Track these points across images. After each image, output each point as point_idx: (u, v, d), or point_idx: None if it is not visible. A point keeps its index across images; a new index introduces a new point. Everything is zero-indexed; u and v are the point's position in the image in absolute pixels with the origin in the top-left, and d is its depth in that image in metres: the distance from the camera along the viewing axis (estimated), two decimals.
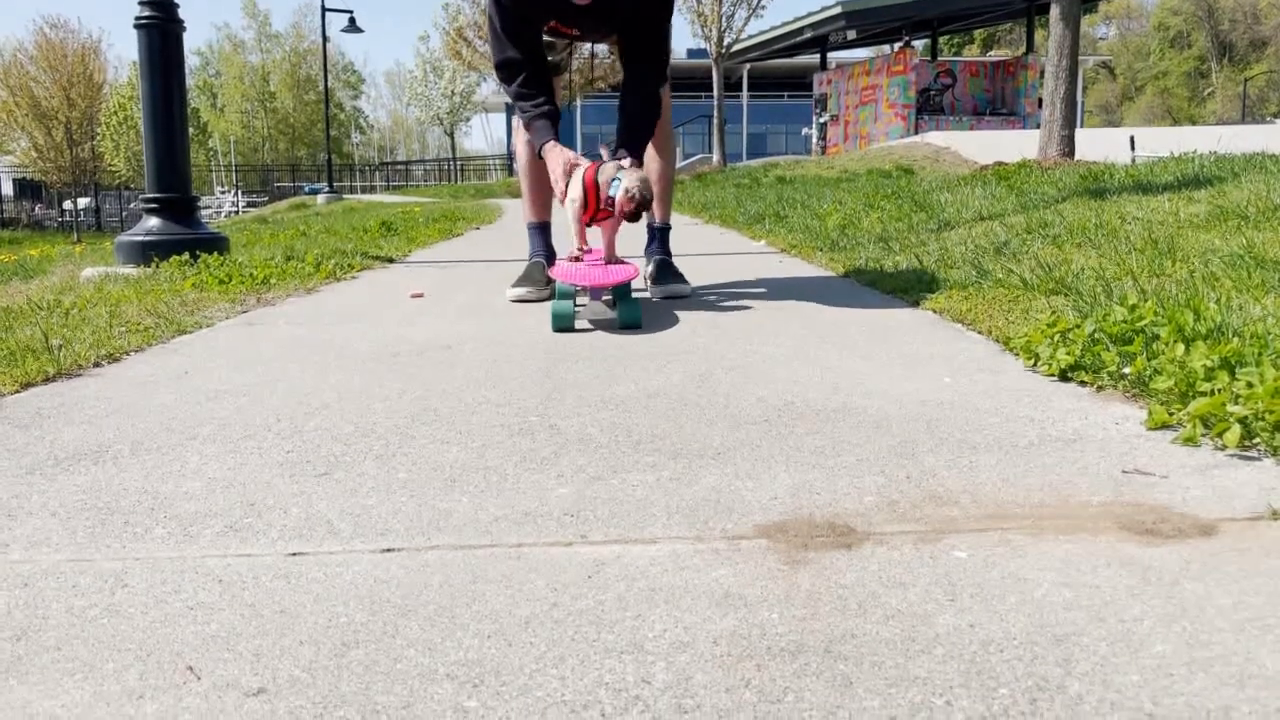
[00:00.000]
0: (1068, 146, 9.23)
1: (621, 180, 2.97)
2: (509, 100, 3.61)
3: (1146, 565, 1.13)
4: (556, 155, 3.29)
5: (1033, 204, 5.66)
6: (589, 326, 2.87)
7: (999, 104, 23.31)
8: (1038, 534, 1.24)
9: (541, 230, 3.87)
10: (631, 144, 3.40)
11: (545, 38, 3.49)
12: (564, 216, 3.28)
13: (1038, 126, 10.56)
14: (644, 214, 3.05)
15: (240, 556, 1.24)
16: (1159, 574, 1.10)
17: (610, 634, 1.00)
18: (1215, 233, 3.69)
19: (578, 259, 3.22)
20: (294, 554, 1.24)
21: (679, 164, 25.85)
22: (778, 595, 1.07)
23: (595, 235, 3.29)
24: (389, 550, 1.25)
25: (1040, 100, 10.84)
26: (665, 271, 3.68)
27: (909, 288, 3.48)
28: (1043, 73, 9.87)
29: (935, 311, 3.03)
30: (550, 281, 3.75)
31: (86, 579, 1.17)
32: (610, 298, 3.08)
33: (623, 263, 3.26)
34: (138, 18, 5.00)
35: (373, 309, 3.57)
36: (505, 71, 3.41)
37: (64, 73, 44.26)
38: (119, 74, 50.89)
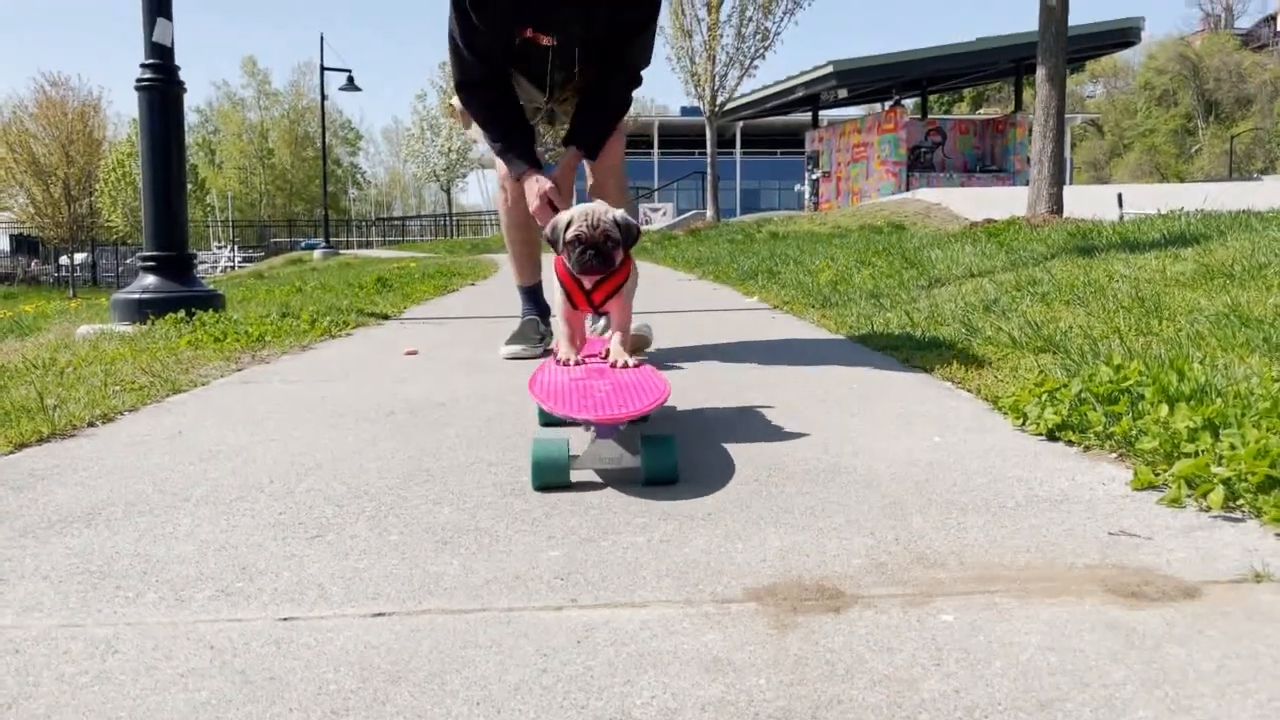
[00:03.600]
0: (1056, 204, 9.35)
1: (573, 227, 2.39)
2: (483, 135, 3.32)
3: (1131, 628, 1.14)
4: (532, 186, 3.06)
5: (1022, 261, 5.73)
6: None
7: (989, 161, 23.63)
8: (1024, 597, 1.25)
9: (531, 293, 3.88)
10: (585, 140, 3.25)
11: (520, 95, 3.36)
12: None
13: (1027, 183, 10.70)
14: (611, 245, 2.39)
15: (232, 621, 1.24)
16: (1143, 637, 1.11)
17: (599, 700, 1.00)
18: (1201, 291, 3.74)
19: (578, 361, 2.40)
20: (285, 619, 1.25)
21: (673, 220, 26.14)
22: (766, 660, 1.08)
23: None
24: (380, 615, 1.25)
25: (1029, 158, 11.00)
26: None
27: (899, 345, 3.51)
28: (1031, 130, 10.02)
29: (925, 369, 3.05)
30: (545, 337, 3.75)
31: (78, 645, 1.18)
32: (625, 430, 1.91)
33: (643, 366, 2.35)
34: (139, 80, 5.09)
35: (367, 367, 3.59)
36: (466, 94, 3.22)
37: (64, 129, 44.74)
38: (119, 131, 51.49)
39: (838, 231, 13.58)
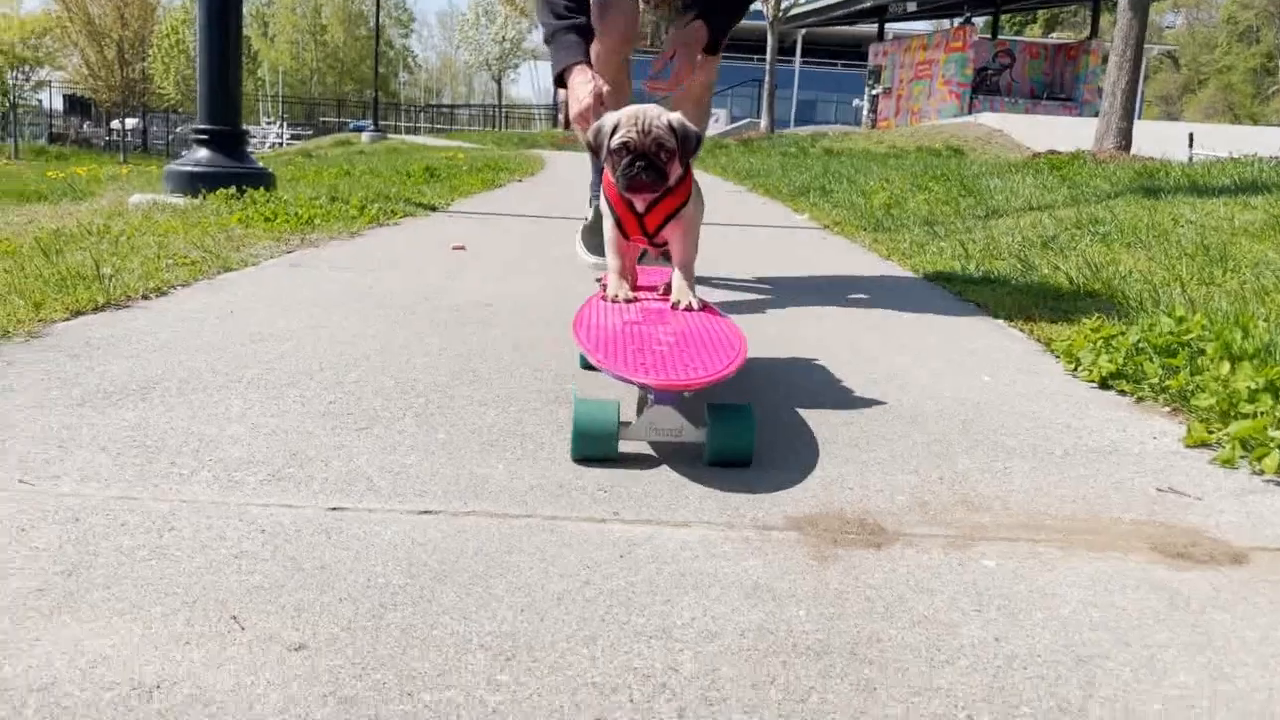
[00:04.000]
0: (1124, 140, 9.06)
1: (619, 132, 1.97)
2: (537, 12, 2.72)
3: (1175, 590, 1.13)
4: (584, 83, 2.50)
5: (1084, 197, 5.58)
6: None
7: (1057, 88, 22.84)
8: (1068, 548, 1.25)
9: None
10: (715, 17, 2.73)
11: None
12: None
13: (1095, 114, 10.37)
14: (665, 156, 1.95)
15: (283, 507, 1.27)
16: (1187, 600, 1.11)
17: (640, 617, 1.02)
18: (1269, 243, 3.63)
19: (630, 299, 2.01)
20: (334, 509, 1.27)
21: (726, 127, 25.65)
22: (806, 591, 1.09)
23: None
24: (427, 512, 1.27)
25: (1100, 88, 10.62)
26: None
27: (952, 277, 3.46)
28: (1105, 59, 9.67)
29: (977, 304, 3.00)
30: None
31: (135, 518, 1.21)
32: (689, 394, 1.58)
33: (710, 310, 1.97)
34: None
35: (414, 259, 3.59)
36: None
37: None
38: None
39: (894, 152, 13.29)
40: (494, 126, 44.52)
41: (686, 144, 2.00)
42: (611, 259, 2.10)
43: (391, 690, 0.86)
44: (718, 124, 26.51)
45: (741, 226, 5.44)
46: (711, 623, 1.01)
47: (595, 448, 1.49)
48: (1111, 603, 1.10)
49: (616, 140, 1.96)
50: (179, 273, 2.90)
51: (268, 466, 1.41)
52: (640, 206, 2.03)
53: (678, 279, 2.03)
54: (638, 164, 1.95)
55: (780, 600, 1.07)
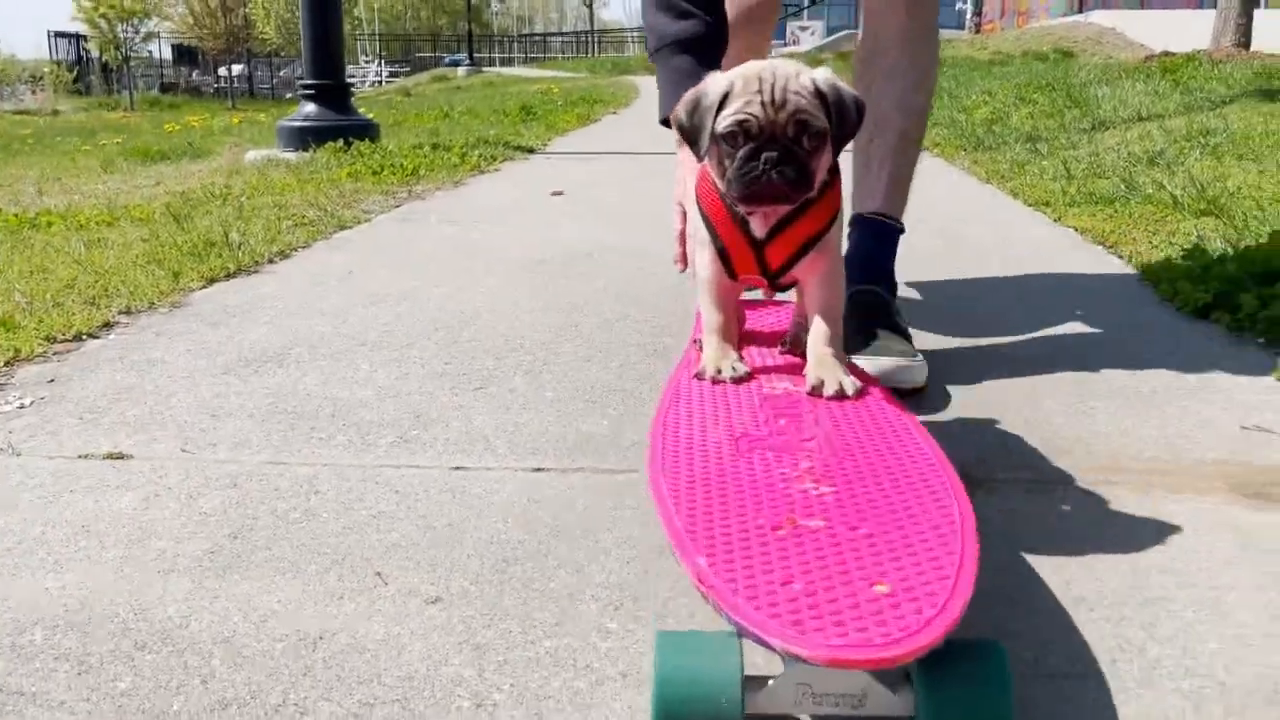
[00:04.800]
0: (1243, 36, 8.53)
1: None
2: None
3: (1248, 532, 1.18)
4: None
5: (1197, 104, 5.36)
6: None
7: None
8: (1145, 491, 1.30)
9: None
10: None
11: None
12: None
13: (1215, 6, 9.77)
14: (809, 142, 1.21)
15: (411, 468, 1.41)
16: (1259, 542, 1.16)
17: None
18: None
19: (741, 378, 1.33)
20: (457, 468, 1.41)
21: (822, 41, 24.93)
22: None
23: None
24: (539, 470, 1.40)
25: None
26: (876, 325, 1.69)
27: (1052, 200, 3.42)
28: None
29: (1077, 230, 2.98)
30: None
31: (285, 482, 1.36)
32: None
33: (875, 392, 1.29)
34: None
35: (517, 208, 3.71)
36: None
37: None
38: None
39: (998, 58, 12.80)
40: (587, 53, 44.26)
41: (844, 121, 1.26)
42: (709, 311, 1.38)
43: (516, 638, 0.99)
44: (814, 37, 25.81)
45: None
46: None
47: None
48: (1183, 545, 1.15)
49: (728, 119, 1.22)
50: (299, 234, 3.08)
51: (395, 429, 1.55)
52: (760, 230, 1.31)
53: (817, 344, 1.31)
54: (765, 157, 1.21)
55: None
